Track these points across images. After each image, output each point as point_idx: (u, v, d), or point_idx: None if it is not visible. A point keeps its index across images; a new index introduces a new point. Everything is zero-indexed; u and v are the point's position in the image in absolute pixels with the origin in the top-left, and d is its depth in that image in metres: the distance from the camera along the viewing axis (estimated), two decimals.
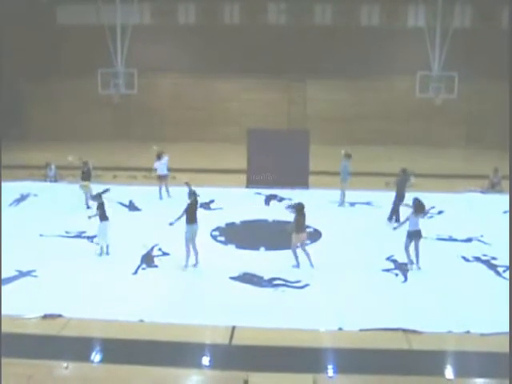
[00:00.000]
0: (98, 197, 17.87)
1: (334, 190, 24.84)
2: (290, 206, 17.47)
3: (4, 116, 36.40)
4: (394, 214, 21.05)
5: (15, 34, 34.92)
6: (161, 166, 24.48)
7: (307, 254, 16.81)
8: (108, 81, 33.51)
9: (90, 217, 17.90)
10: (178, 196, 21.26)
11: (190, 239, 16.53)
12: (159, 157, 24.70)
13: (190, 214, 16.61)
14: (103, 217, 17.56)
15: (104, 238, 17.59)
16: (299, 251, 16.71)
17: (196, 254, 16.65)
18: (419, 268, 16.63)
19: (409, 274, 16.28)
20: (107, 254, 17.56)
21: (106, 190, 19.25)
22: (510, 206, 19.08)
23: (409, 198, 18.71)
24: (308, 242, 17.54)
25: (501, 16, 35.13)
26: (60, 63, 36.13)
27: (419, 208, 16.66)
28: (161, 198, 24.51)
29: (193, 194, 16.91)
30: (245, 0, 35.56)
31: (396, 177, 21.94)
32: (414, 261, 16.69)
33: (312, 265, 16.71)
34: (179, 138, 36.12)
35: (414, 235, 16.63)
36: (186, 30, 36.50)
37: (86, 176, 23.32)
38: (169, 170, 24.86)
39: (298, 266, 16.71)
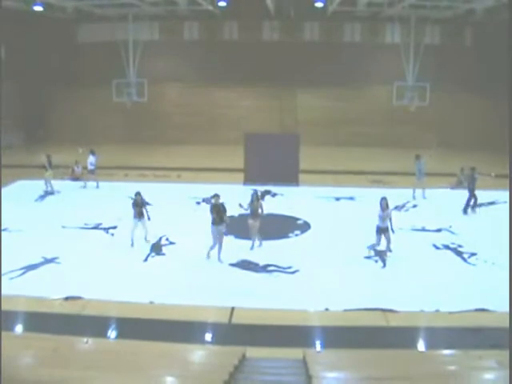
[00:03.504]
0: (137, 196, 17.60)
1: (321, 186, 25.00)
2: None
3: (31, 120, 36.49)
4: (468, 206, 21.62)
5: (42, 49, 34.97)
6: (92, 162, 25.44)
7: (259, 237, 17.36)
8: (121, 90, 33.54)
9: None
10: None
11: (215, 238, 16.22)
12: (93, 153, 25.61)
13: (214, 215, 16.25)
14: (134, 214, 17.50)
15: (131, 232, 17.51)
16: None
17: (219, 250, 16.26)
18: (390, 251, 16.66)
19: (387, 261, 16.34)
20: (132, 245, 17.43)
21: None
22: (510, 205, 19.06)
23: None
24: (257, 224, 17.22)
25: (465, 35, 35.35)
26: (80, 75, 36.09)
27: (385, 206, 16.53)
28: (97, 187, 25.45)
29: (215, 196, 16.49)
30: (242, 19, 35.51)
31: (466, 176, 22.25)
32: (386, 247, 16.65)
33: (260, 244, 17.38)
34: (184, 140, 36.19)
35: (383, 231, 16.54)
36: (190, 45, 36.47)
37: (50, 166, 24.26)
38: (95, 166, 25.67)
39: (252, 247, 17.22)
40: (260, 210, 17.20)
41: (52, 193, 24.21)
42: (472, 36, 35.19)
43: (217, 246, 16.23)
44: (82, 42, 36.60)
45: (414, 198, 23.75)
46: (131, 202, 17.81)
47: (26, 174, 25.10)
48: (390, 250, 16.67)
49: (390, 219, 16.52)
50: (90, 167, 25.57)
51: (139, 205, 17.48)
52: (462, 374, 8.94)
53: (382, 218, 16.42)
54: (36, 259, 15.99)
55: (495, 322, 11.71)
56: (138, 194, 17.59)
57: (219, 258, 16.15)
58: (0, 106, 30.46)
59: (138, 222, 17.54)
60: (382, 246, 16.61)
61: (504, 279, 13.50)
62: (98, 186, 25.50)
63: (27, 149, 27.16)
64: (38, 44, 34.69)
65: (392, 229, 16.50)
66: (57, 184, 25.25)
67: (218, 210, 16.12)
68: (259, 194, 17.39)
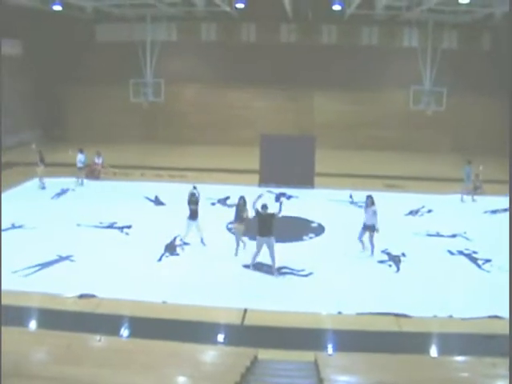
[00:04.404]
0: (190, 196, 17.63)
1: (337, 189, 24.93)
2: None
3: (48, 118, 36.73)
4: None
5: (61, 48, 35.20)
6: (82, 160, 25.96)
7: (238, 244, 17.11)
8: (138, 90, 33.72)
9: None
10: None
11: (258, 248, 15.77)
12: (82, 152, 26.08)
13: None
14: (189, 216, 17.51)
15: (186, 233, 17.57)
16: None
17: (272, 262, 15.69)
18: (372, 255, 16.97)
19: (401, 266, 16.33)
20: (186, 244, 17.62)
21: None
22: (511, 206, 18.93)
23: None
24: (241, 228, 17.25)
25: (482, 40, 35.13)
26: (98, 74, 36.21)
27: (371, 204, 16.99)
28: (81, 184, 25.93)
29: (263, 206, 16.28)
30: (260, 20, 35.51)
31: None
32: (370, 251, 17.03)
33: (236, 254, 16.96)
34: (199, 140, 36.23)
35: (368, 228, 16.94)
36: (207, 46, 36.50)
37: (42, 162, 24.76)
38: (84, 164, 26.23)
39: (236, 254, 16.98)
40: (245, 215, 17.15)
41: (43, 188, 24.69)
42: (490, 41, 34.97)
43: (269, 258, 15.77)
44: (100, 41, 36.77)
45: (473, 200, 24.09)
46: (187, 200, 17.61)
47: (42, 172, 25.23)
48: (373, 247, 17.03)
49: (375, 218, 16.85)
50: (78, 165, 25.95)
51: (194, 204, 17.44)
52: (475, 381, 8.91)
53: (366, 216, 16.90)
54: (51, 257, 16.12)
55: (509, 330, 11.64)
56: (193, 194, 17.55)
57: (273, 271, 15.56)
58: (0, 105, 30.58)
59: (193, 223, 17.50)
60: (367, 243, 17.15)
61: None
62: (79, 183, 25.91)
63: (44, 147, 27.37)
64: (56, 43, 34.91)
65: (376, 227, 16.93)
66: (71, 182, 25.57)
67: (264, 221, 15.61)
68: (246, 199, 17.26)
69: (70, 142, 34.93)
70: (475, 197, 24.06)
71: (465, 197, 24.14)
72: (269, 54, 35.45)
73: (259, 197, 15.91)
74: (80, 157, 25.95)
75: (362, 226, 17.15)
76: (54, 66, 35.40)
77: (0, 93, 30.53)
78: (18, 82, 32.64)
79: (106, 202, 23.03)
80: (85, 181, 26.08)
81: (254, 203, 15.76)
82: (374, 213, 16.86)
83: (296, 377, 9.64)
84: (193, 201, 17.41)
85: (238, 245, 17.07)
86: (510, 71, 26.98)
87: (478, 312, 13.11)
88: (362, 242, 17.20)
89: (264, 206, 15.64)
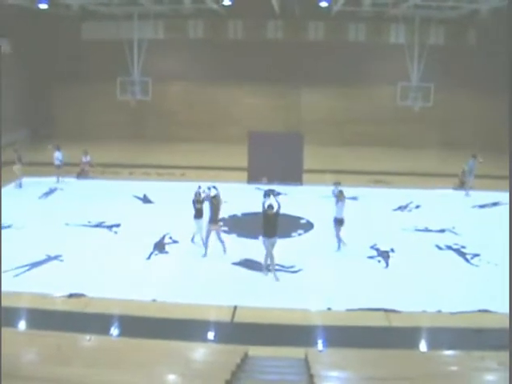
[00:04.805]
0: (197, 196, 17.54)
1: (325, 186, 24.91)
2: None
3: (35, 117, 36.49)
4: None
5: (47, 46, 35.01)
6: (58, 157, 25.77)
7: (222, 242, 16.92)
8: (126, 88, 33.51)
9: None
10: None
11: (267, 250, 15.53)
12: (59, 149, 25.94)
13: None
14: (195, 215, 17.44)
15: (198, 232, 17.54)
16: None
17: (270, 261, 15.56)
18: (339, 249, 17.24)
19: (389, 261, 16.39)
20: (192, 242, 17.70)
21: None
22: (510, 205, 19.07)
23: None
24: (223, 229, 17.68)
25: (469, 35, 35.21)
26: (84, 72, 36.05)
27: (341, 197, 17.27)
28: (58, 181, 25.68)
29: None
30: (247, 17, 35.42)
31: None
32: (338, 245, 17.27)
33: (225, 251, 16.85)
34: (187, 138, 36.09)
35: (339, 221, 17.13)
36: (195, 44, 36.35)
37: (19, 161, 24.67)
38: (62, 161, 25.92)
39: (205, 255, 16.73)
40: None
41: (20, 187, 24.61)
42: (477, 36, 35.09)
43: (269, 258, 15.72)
44: (86, 39, 36.57)
45: (468, 195, 24.17)
46: (192, 200, 17.53)
47: (30, 171, 25.15)
48: (340, 240, 17.23)
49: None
50: (56, 162, 25.77)
51: (200, 203, 17.39)
52: (464, 375, 8.97)
53: (337, 209, 17.19)
54: (40, 256, 16.06)
55: (497, 323, 11.72)
56: (198, 193, 17.51)
57: (264, 267, 15.56)
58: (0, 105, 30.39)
59: (201, 221, 17.39)
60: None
61: (507, 280, 13.50)
62: (58, 181, 25.72)
63: (31, 146, 27.22)
64: (43, 41, 34.71)
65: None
66: (60, 181, 25.48)
67: (270, 221, 15.47)
68: (220, 196, 17.26)
69: (57, 140, 34.57)
70: (470, 192, 24.15)
71: (463, 191, 24.28)
72: (256, 50, 35.38)
73: (271, 196, 16.03)
74: (57, 154, 25.76)
75: (333, 220, 17.27)
76: (41, 64, 35.20)
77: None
78: (6, 81, 32.38)
79: (95, 200, 22.93)
80: (66, 179, 25.92)
81: (263, 203, 15.70)
82: (343, 205, 17.16)
83: (287, 373, 9.66)
84: (198, 200, 17.42)
85: (222, 242, 16.97)
86: (509, 68, 27.02)
87: (466, 306, 13.20)
88: (339, 238, 17.32)
89: (270, 206, 15.45)
